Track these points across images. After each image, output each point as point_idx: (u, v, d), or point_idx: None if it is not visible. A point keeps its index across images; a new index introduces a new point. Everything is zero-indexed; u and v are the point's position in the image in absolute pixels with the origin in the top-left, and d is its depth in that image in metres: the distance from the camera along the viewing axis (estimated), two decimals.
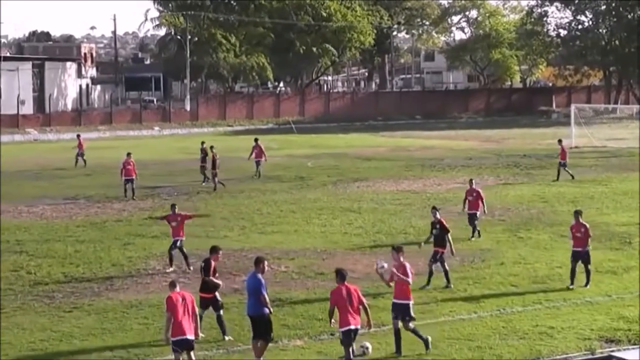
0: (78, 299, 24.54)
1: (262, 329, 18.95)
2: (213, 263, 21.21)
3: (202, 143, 52.19)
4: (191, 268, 28.05)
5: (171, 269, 28.53)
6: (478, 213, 33.31)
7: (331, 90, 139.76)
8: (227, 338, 20.70)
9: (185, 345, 17.84)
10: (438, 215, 26.73)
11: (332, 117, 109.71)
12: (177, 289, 18.21)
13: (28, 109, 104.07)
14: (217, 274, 21.50)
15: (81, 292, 25.75)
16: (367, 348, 19.50)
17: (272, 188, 48.21)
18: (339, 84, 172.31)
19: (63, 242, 33.55)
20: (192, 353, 17.98)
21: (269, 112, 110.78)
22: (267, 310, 18.99)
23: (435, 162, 60.47)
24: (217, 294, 21.19)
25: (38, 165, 61.02)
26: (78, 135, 65.00)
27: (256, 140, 53.53)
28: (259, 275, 19.10)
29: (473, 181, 35.02)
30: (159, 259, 30.33)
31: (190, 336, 17.92)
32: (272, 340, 19.34)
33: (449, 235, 26.48)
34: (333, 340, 20.24)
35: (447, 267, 26.09)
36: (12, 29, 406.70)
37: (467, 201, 33.64)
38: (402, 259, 20.10)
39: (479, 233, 33.21)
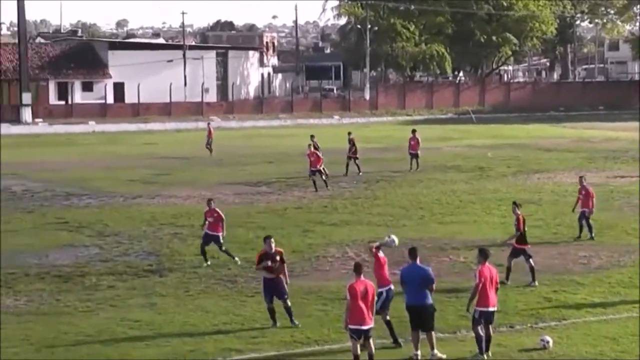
0: (259, 283, 25.00)
1: (421, 320, 18.86)
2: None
3: (349, 134, 51.98)
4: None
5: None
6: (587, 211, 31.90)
7: (512, 80, 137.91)
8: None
9: (362, 334, 17.98)
10: (518, 211, 25.81)
11: (513, 107, 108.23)
12: (362, 277, 18.32)
13: (212, 96, 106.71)
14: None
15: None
16: (547, 342, 19.23)
17: (452, 178, 48.04)
18: (520, 73, 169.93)
19: (244, 227, 34.28)
20: (370, 340, 18.11)
21: (449, 101, 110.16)
22: (429, 301, 18.90)
23: (620, 154, 59.06)
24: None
25: (221, 152, 62.40)
26: (208, 124, 65.96)
27: (414, 131, 52.83)
28: (422, 265, 19.08)
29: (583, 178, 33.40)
30: (338, 246, 30.65)
31: (367, 325, 18.05)
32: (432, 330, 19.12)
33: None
34: (513, 332, 20.07)
35: (532, 264, 25.15)
36: (198, 18, 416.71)
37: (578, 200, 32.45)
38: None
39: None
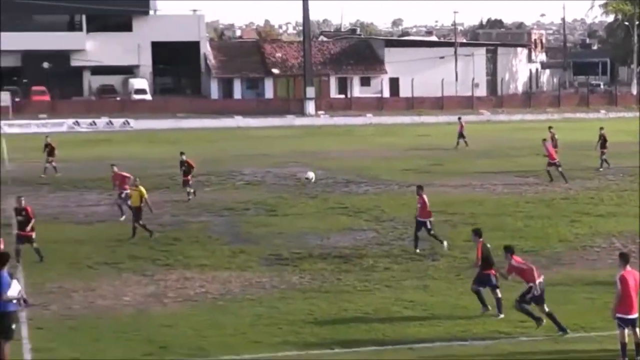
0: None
1: None
2: None
3: (601, 129, 49.91)
4: None
5: None
6: None
7: None
8: None
9: (629, 322, 17.52)
10: None
11: None
12: (628, 267, 17.84)
13: (482, 91, 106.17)
14: None
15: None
16: None
17: None
18: None
19: (513, 216, 33.98)
20: (637, 330, 17.59)
21: None
22: None
23: None
24: None
25: (490, 144, 61.96)
26: (459, 118, 65.02)
27: None
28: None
29: None
30: (605, 237, 29.90)
31: (634, 315, 17.54)
32: None
33: None
34: None
35: None
36: (468, 17, 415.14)
37: None
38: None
39: None
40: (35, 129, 78.42)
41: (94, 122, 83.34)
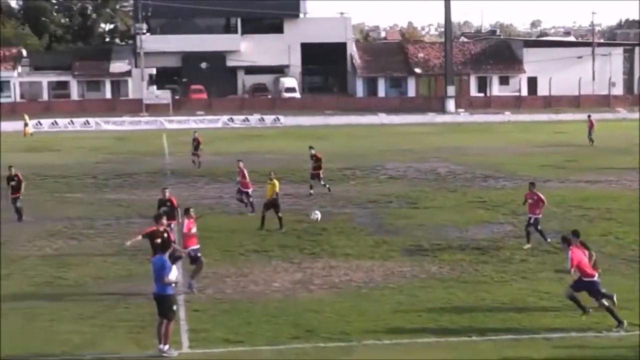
0: None
1: None
2: None
3: None
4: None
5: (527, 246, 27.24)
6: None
7: None
8: None
9: None
10: None
11: None
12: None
13: (618, 90, 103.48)
14: None
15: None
16: None
17: None
18: None
19: None
20: None
21: None
22: None
23: None
24: None
25: (626, 141, 60.35)
26: (589, 116, 63.06)
27: None
28: None
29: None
30: None
31: None
32: None
33: None
34: None
35: None
36: (606, 17, 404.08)
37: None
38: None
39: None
40: (193, 124, 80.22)
41: (247, 118, 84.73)
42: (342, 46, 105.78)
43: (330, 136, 69.58)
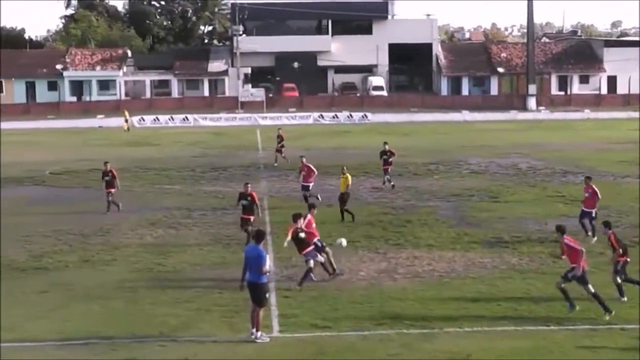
0: None
1: None
2: None
3: None
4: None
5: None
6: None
7: None
8: None
9: None
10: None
11: None
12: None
13: None
14: None
15: None
16: None
17: None
18: None
19: None
20: None
21: None
22: None
23: None
24: None
25: None
26: None
27: None
28: None
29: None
30: None
31: None
32: None
33: None
34: None
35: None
36: None
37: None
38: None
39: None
40: (285, 121, 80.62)
41: (336, 115, 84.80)
42: (428, 46, 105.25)
43: (415, 132, 69.22)
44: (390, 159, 38.69)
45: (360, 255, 25.39)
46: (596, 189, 27.55)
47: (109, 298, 21.07)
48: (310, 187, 34.31)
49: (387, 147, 39.11)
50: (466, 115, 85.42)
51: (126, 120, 76.76)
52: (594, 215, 27.24)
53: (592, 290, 19.08)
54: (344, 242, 23.98)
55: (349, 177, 31.51)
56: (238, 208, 27.59)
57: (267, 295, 18.41)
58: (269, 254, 25.34)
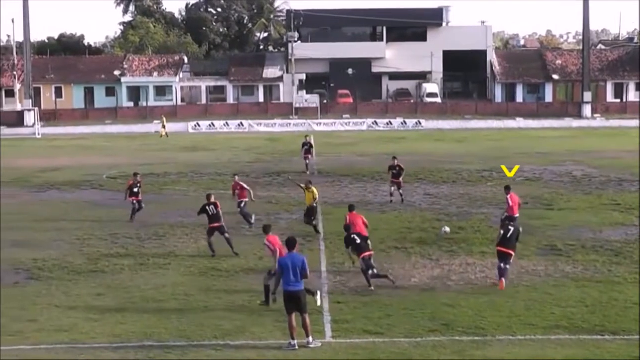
0: None
1: None
2: None
3: None
4: None
5: None
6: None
7: None
8: None
9: None
10: None
11: None
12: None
13: None
14: None
15: None
16: None
17: None
18: None
19: None
20: None
21: None
22: None
23: None
24: None
25: None
26: None
27: None
28: None
29: None
30: None
31: None
32: None
33: None
34: None
35: None
36: None
37: None
38: None
39: None
40: (339, 127, 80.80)
41: (390, 122, 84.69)
42: (482, 53, 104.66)
43: (469, 139, 68.84)
44: (401, 176, 36.68)
45: (413, 262, 25.27)
46: None
47: (164, 301, 21.21)
48: (243, 204, 32.28)
49: (396, 162, 37.05)
50: (520, 123, 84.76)
51: (163, 126, 77.00)
52: None
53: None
54: (447, 229, 26.80)
55: (316, 190, 30.55)
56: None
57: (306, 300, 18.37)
58: (322, 260, 25.38)
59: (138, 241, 28.89)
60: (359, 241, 22.44)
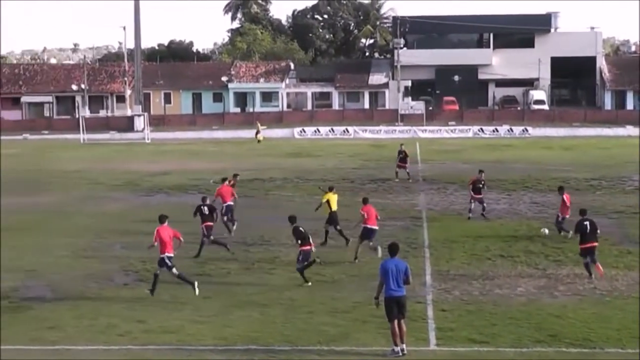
0: None
1: None
2: None
3: None
4: None
5: None
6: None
7: None
8: None
9: None
10: None
11: None
12: None
13: None
14: None
15: None
16: None
17: None
18: None
19: None
20: None
21: None
22: None
23: None
24: None
25: None
26: None
27: None
28: None
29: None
30: None
31: None
32: None
33: None
34: None
35: None
36: None
37: None
38: None
39: None
40: (445, 134, 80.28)
41: (496, 129, 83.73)
42: (591, 60, 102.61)
43: (577, 147, 67.56)
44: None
45: (519, 271, 24.92)
46: None
47: (269, 306, 21.40)
48: (224, 208, 31.67)
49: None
50: (630, 130, 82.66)
51: (258, 132, 77.51)
52: None
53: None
54: (546, 230, 28.32)
55: (334, 196, 29.82)
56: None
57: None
58: (427, 267, 25.25)
59: (244, 245, 29.24)
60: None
